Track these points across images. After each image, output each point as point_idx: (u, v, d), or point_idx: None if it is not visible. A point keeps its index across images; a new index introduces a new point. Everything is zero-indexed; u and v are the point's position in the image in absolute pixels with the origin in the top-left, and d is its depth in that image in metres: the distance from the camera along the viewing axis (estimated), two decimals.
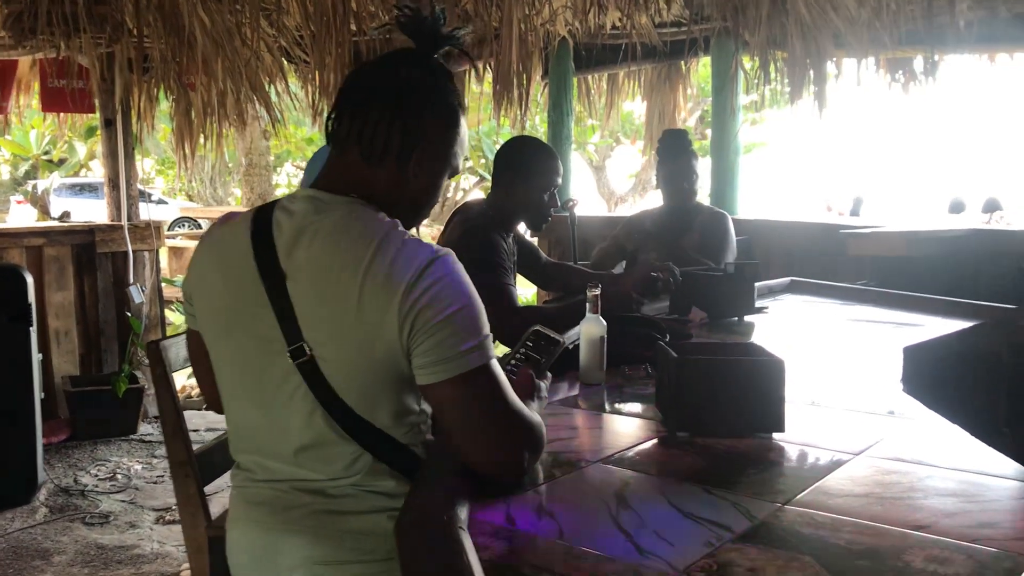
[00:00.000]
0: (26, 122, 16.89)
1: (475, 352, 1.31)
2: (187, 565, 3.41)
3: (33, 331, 4.08)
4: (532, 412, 1.43)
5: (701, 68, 8.42)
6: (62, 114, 6.20)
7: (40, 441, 4.14)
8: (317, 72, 5.09)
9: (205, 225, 16.85)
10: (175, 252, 11.69)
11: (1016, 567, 1.16)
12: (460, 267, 1.35)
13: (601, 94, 6.63)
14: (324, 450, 1.38)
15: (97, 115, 5.61)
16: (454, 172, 1.53)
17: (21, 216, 16.54)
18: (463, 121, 1.51)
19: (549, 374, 1.76)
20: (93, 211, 8.83)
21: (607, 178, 18.80)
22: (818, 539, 1.26)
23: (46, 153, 19.24)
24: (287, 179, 21.18)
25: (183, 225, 16.93)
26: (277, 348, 1.36)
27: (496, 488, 1.40)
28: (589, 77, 6.48)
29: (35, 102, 6.02)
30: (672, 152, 3.64)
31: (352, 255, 1.32)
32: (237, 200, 18.91)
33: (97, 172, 17.43)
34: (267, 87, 5.13)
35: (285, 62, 5.38)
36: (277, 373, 1.37)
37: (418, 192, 1.48)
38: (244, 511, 1.48)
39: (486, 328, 1.34)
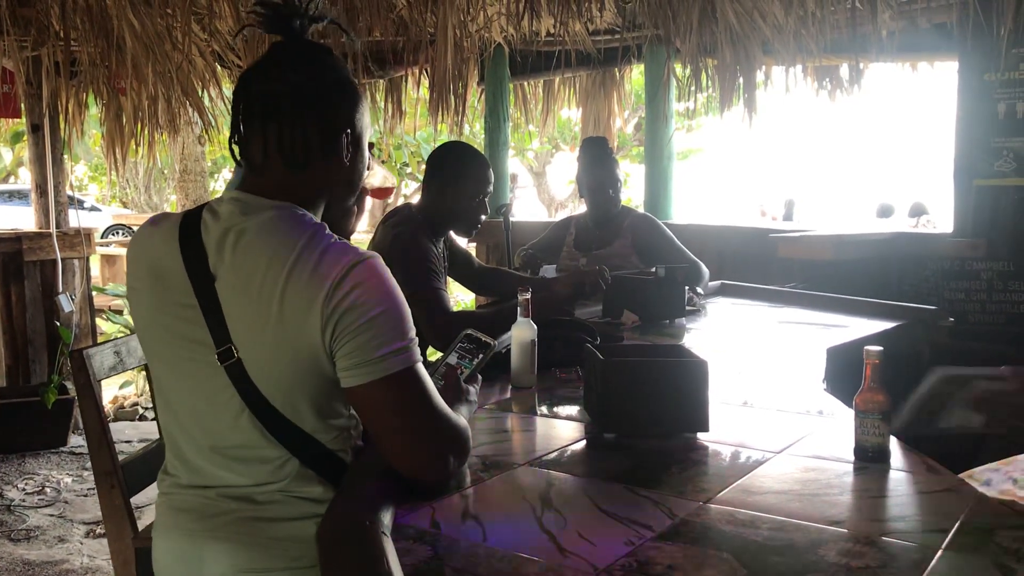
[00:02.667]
0: None
1: (399, 355, 1.32)
2: None
3: None
4: (458, 416, 1.44)
5: (637, 75, 8.51)
6: None
7: None
8: None
9: None
10: (108, 260, 11.44)
11: (924, 559, 1.21)
12: (386, 270, 1.35)
13: (538, 100, 6.66)
14: (251, 454, 1.37)
15: (23, 120, 5.48)
16: (369, 141, 1.53)
17: None
18: (359, 89, 1.50)
19: (480, 377, 1.77)
20: (22, 219, 8.61)
21: (547, 184, 18.88)
22: (737, 536, 1.29)
23: None
24: (224, 185, 20.87)
25: (117, 232, 16.58)
26: (206, 350, 1.35)
27: (422, 491, 1.41)
28: (525, 83, 6.51)
29: None
30: (595, 160, 3.65)
31: (276, 257, 1.32)
32: (173, 206, 18.54)
33: (25, 179, 17.00)
34: (200, 92, 5.06)
35: (218, 67, 5.31)
36: (205, 375, 1.36)
37: (350, 176, 1.48)
38: (170, 518, 1.46)
39: (411, 332, 1.35)
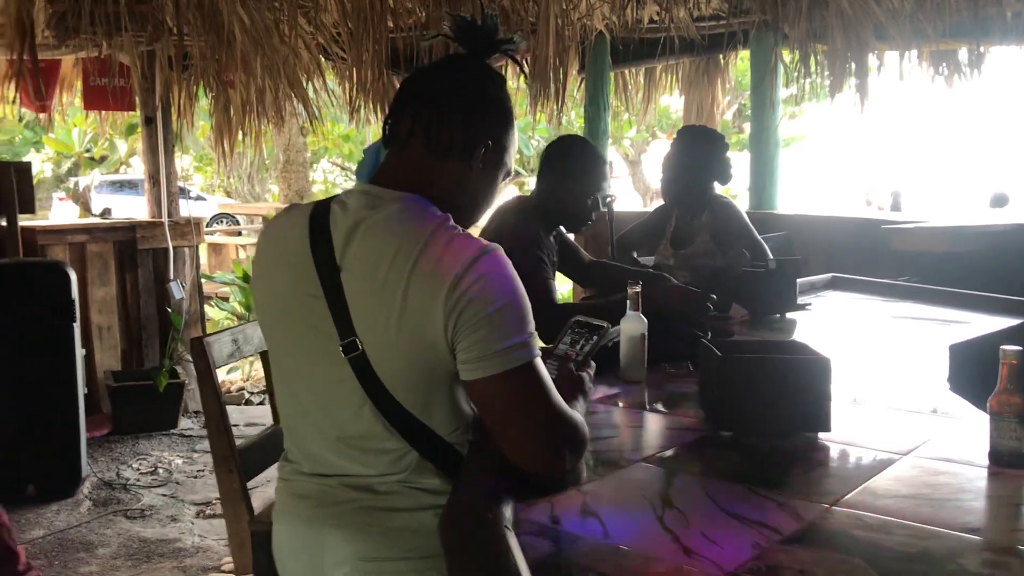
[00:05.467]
0: (69, 120, 17.10)
1: (519, 349, 1.31)
2: (228, 559, 3.45)
3: (76, 327, 4.14)
4: (574, 411, 1.42)
5: (739, 61, 8.34)
6: (104, 112, 6.29)
7: (83, 435, 4.20)
8: (354, 69, 5.11)
9: (243, 221, 17.02)
10: (214, 248, 11.80)
11: None
12: (508, 263, 1.35)
13: (638, 89, 6.59)
14: (372, 444, 1.39)
15: (138, 113, 5.68)
16: (508, 173, 1.55)
17: (63, 213, 16.78)
18: (514, 124, 1.54)
19: (593, 363, 1.73)
20: (133, 208, 8.93)
21: (643, 173, 18.69)
22: (868, 541, 1.24)
23: (88, 151, 19.49)
24: (323, 175, 21.30)
25: (221, 221, 17.08)
26: (330, 341, 1.36)
27: (538, 487, 1.40)
28: (626, 72, 6.45)
29: (78, 100, 6.10)
30: (673, 150, 3.41)
31: (401, 249, 1.33)
32: (275, 197, 19.01)
33: (137, 169, 17.63)
34: (305, 84, 5.16)
35: (323, 59, 5.40)
36: (329, 365, 1.38)
37: (477, 190, 1.49)
38: (290, 504, 1.49)
39: (531, 326, 1.34)
